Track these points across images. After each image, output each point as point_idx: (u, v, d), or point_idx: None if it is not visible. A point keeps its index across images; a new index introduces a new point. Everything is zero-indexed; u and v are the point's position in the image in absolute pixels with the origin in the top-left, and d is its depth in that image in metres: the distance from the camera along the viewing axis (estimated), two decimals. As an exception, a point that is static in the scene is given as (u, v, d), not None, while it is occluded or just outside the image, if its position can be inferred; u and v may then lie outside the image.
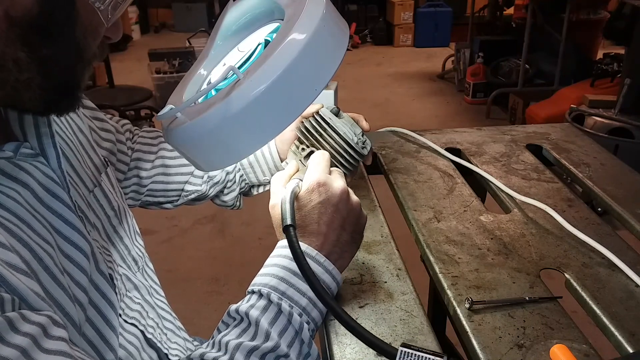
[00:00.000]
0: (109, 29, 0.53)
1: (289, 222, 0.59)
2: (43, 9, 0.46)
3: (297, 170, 0.73)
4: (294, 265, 0.60)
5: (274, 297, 0.59)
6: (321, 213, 0.64)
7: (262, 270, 0.62)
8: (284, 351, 0.57)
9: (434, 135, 1.13)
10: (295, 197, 0.64)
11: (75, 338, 0.52)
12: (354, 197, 0.67)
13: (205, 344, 0.60)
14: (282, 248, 0.64)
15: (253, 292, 0.60)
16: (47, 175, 0.55)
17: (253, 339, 0.57)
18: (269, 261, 0.63)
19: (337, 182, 0.66)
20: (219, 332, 0.60)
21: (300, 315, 0.59)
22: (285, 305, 0.58)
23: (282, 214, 0.61)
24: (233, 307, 0.60)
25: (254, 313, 0.58)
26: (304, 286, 0.60)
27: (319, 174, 0.66)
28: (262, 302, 0.59)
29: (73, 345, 0.46)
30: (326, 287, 0.62)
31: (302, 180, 0.67)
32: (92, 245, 0.58)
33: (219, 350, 0.57)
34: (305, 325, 0.59)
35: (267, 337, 0.57)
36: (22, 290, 0.44)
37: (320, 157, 0.70)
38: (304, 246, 0.60)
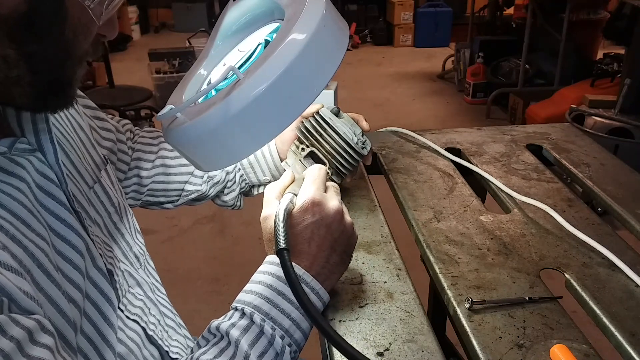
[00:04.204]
0: (103, 27, 0.53)
1: (282, 245, 0.58)
2: (31, 6, 0.46)
3: (292, 181, 0.71)
4: (279, 284, 0.60)
5: (257, 318, 0.57)
6: (313, 233, 0.62)
7: (248, 287, 0.61)
8: None
9: (434, 135, 1.13)
10: (288, 214, 0.62)
11: (70, 335, 0.52)
12: (347, 218, 0.66)
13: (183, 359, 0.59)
14: (269, 264, 0.63)
15: (236, 309, 0.59)
16: (41, 172, 0.55)
17: None
18: (255, 277, 0.62)
19: (332, 201, 0.65)
20: (199, 347, 0.59)
21: (282, 337, 0.58)
22: (267, 327, 0.57)
23: (275, 234, 0.59)
24: (215, 323, 0.59)
25: (235, 333, 0.57)
26: (289, 307, 0.59)
27: (314, 192, 0.65)
28: (244, 322, 0.58)
29: (59, 352, 0.45)
30: None
31: (296, 195, 0.66)
32: (88, 242, 0.58)
33: None
34: (287, 348, 0.58)
35: (246, 358, 0.56)
36: (10, 289, 0.43)
37: (317, 173, 0.68)
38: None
